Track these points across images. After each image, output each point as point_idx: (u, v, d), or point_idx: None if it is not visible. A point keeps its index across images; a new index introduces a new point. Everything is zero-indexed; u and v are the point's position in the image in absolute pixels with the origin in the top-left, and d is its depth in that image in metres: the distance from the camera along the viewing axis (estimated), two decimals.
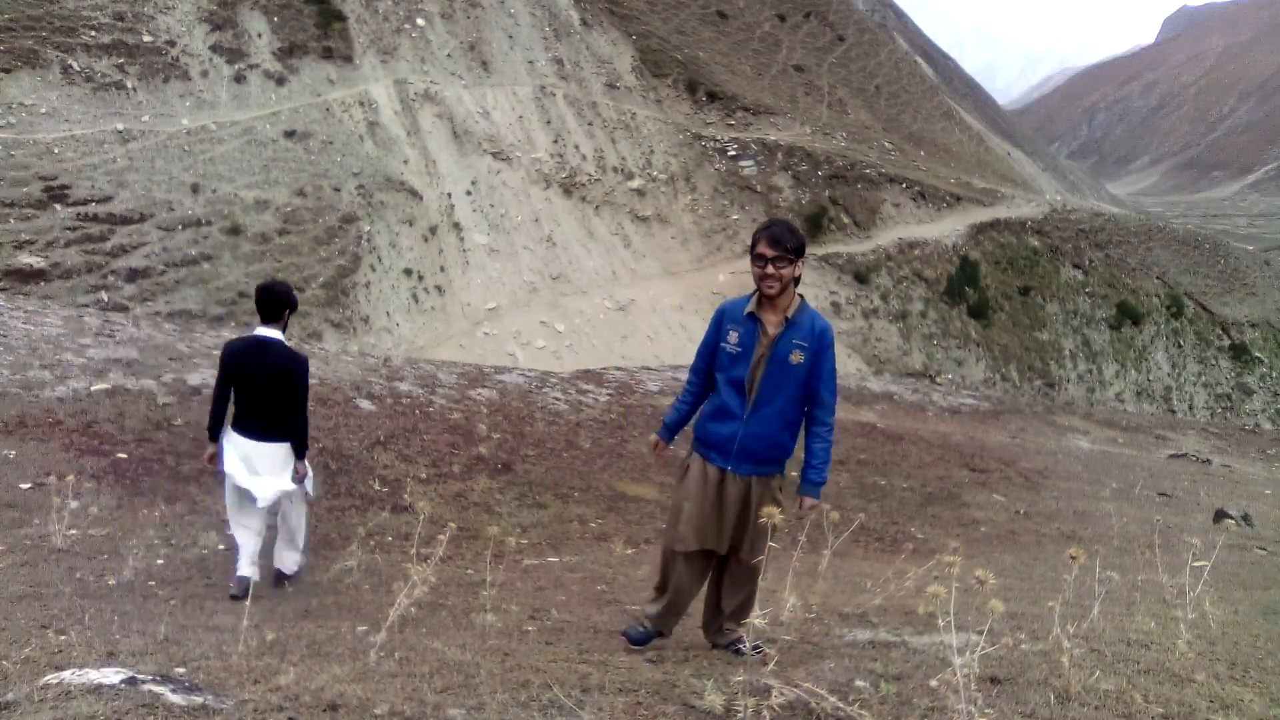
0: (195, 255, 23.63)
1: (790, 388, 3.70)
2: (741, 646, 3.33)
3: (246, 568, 5.31)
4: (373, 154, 30.02)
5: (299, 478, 5.45)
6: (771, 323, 3.70)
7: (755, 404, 3.73)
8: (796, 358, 3.65)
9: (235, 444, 5.30)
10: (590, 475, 9.69)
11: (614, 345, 29.51)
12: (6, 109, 24.33)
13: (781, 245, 3.60)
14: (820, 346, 3.68)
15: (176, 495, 7.13)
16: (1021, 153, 78.16)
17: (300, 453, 5.45)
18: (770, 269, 3.60)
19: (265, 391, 5.26)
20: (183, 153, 26.03)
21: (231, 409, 5.37)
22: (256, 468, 5.31)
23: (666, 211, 36.14)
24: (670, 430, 4.13)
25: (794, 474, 3.87)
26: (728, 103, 41.79)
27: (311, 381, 10.61)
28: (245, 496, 5.33)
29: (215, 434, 5.40)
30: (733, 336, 3.75)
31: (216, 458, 5.37)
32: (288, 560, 5.68)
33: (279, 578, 5.63)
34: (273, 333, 5.29)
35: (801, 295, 3.78)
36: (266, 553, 5.60)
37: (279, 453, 5.38)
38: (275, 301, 5.30)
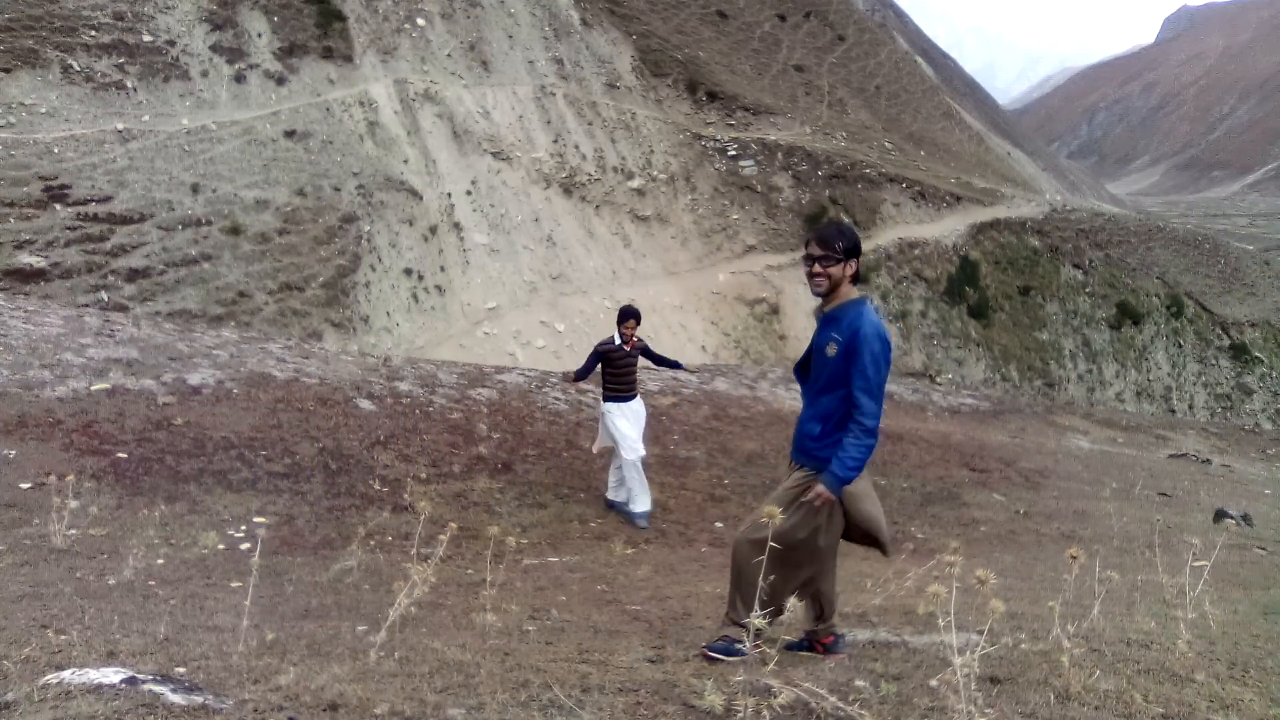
0: (195, 255, 23.62)
1: (825, 379, 3.78)
2: (740, 646, 3.33)
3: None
4: (373, 154, 30.00)
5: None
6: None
7: (806, 393, 3.92)
8: (831, 350, 3.75)
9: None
10: (590, 475, 9.69)
11: None
12: (6, 109, 24.31)
13: (829, 245, 3.77)
14: (852, 345, 3.69)
15: (176, 495, 7.13)
16: (1021, 152, 78.07)
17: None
18: (816, 268, 3.79)
19: None
20: (183, 152, 26.00)
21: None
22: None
23: (666, 211, 36.10)
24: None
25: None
26: (728, 103, 41.75)
27: (311, 381, 10.62)
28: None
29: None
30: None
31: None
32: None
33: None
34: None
35: (865, 297, 3.87)
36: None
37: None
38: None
